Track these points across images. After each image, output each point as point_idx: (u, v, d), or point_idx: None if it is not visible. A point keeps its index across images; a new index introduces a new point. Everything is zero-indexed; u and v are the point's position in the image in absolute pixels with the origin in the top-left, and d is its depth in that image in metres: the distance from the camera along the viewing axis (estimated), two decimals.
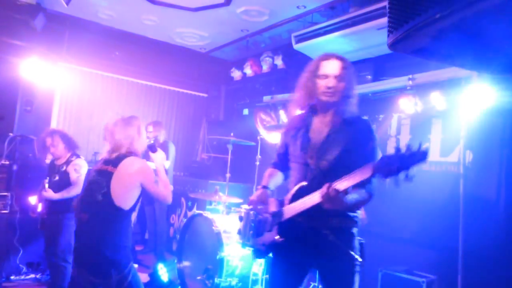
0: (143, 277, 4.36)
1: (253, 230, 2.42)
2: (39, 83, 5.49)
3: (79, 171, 4.00)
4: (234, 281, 3.63)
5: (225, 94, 7.33)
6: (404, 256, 4.10)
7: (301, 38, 4.82)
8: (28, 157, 5.27)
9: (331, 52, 2.38)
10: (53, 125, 5.85)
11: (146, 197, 5.38)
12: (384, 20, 3.87)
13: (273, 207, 2.26)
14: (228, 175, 4.68)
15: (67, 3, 4.74)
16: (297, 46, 4.90)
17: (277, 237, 2.19)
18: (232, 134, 4.65)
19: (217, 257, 3.65)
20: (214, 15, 5.19)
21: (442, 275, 3.82)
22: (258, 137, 5.02)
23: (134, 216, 2.78)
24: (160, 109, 7.16)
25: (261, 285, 3.60)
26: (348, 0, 4.47)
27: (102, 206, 2.56)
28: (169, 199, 2.83)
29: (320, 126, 2.27)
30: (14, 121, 5.49)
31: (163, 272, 4.25)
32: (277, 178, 2.50)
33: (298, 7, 4.75)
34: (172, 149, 5.58)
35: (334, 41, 4.54)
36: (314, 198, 2.00)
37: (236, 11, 5.00)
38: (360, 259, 2.15)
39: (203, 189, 5.61)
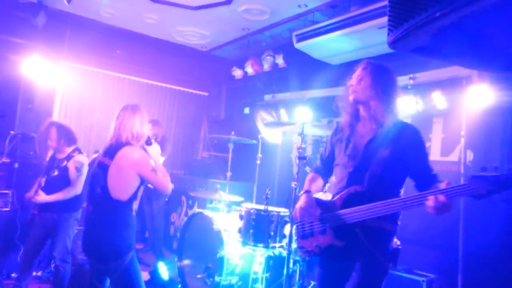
0: (144, 275, 4.37)
1: (302, 232, 2.42)
2: (40, 81, 5.50)
3: (81, 169, 3.82)
4: (234, 280, 3.63)
5: (226, 93, 7.34)
6: (404, 255, 4.08)
7: (302, 37, 4.81)
8: (29, 155, 5.28)
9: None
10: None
11: (146, 196, 5.40)
12: (385, 19, 3.85)
13: (318, 211, 2.29)
14: (228, 173, 4.69)
15: (69, 1, 4.74)
16: (298, 45, 4.90)
17: (337, 242, 2.21)
18: (233, 132, 4.65)
19: (218, 255, 3.66)
20: (215, 14, 5.18)
21: (442, 274, 3.82)
22: (259, 136, 5.02)
23: (136, 204, 2.75)
24: (161, 107, 7.16)
25: (261, 283, 3.61)
26: None
27: (101, 199, 2.62)
28: (169, 188, 2.80)
29: (363, 130, 2.33)
30: (15, 119, 5.50)
31: (164, 270, 4.26)
32: (318, 183, 2.55)
33: (299, 6, 4.74)
34: (169, 147, 5.61)
35: (335, 40, 4.54)
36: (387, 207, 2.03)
37: (237, 10, 5.00)
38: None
39: (203, 188, 5.61)
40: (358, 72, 2.36)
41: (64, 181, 3.78)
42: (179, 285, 4.06)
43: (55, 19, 5.75)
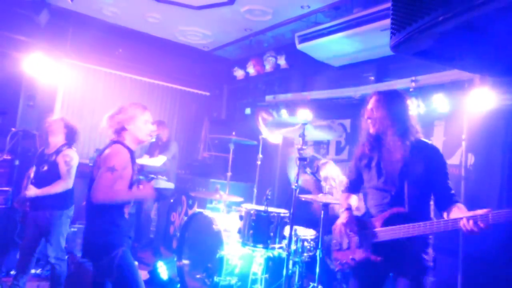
0: (143, 275, 4.37)
1: (340, 246, 2.61)
2: (42, 78, 5.51)
3: (70, 163, 3.76)
4: (233, 280, 3.63)
5: (228, 93, 7.33)
6: None
7: (305, 38, 4.81)
8: (30, 152, 5.28)
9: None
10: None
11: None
12: (387, 22, 3.85)
13: (357, 227, 2.50)
14: (229, 174, 4.68)
15: None
16: (300, 46, 4.89)
17: (374, 257, 2.38)
18: (234, 133, 4.65)
19: (217, 255, 3.66)
20: (218, 14, 5.18)
21: (442, 277, 3.81)
22: (260, 137, 5.01)
23: (128, 208, 2.72)
24: (162, 107, 7.17)
25: (261, 284, 3.60)
26: (352, 1, 4.46)
27: (89, 196, 2.62)
28: (103, 198, 2.51)
29: (389, 156, 2.46)
30: (16, 116, 5.50)
31: (163, 270, 4.26)
32: (353, 200, 2.76)
33: (302, 7, 4.74)
34: (174, 147, 5.61)
35: (337, 42, 4.53)
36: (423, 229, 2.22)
37: (239, 10, 5.00)
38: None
39: (204, 188, 5.61)
40: (372, 104, 2.52)
41: (54, 175, 3.74)
42: (178, 285, 4.06)
43: (58, 17, 5.76)
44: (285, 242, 3.54)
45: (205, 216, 4.03)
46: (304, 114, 5.26)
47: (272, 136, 5.77)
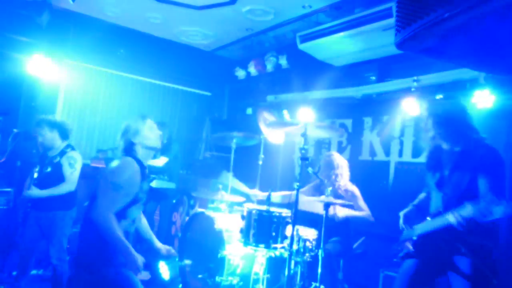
0: (145, 275, 4.36)
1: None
2: (44, 79, 5.51)
3: (74, 165, 3.78)
4: (235, 280, 3.62)
5: (229, 93, 7.33)
6: None
7: (306, 38, 4.81)
8: (31, 153, 5.28)
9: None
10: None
11: (152, 194, 5.40)
12: (389, 21, 3.85)
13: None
14: (230, 174, 4.67)
15: (73, 0, 4.75)
16: (302, 46, 4.89)
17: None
18: (235, 133, 4.64)
19: (219, 255, 3.65)
20: (219, 14, 5.18)
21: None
22: (261, 137, 5.00)
23: (125, 223, 2.61)
24: (163, 107, 7.17)
25: (262, 284, 3.59)
26: (354, 0, 4.45)
27: (89, 207, 2.58)
28: (96, 222, 2.43)
29: (446, 161, 2.67)
30: (18, 117, 5.51)
31: (165, 270, 4.24)
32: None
33: (303, 6, 4.73)
34: (175, 148, 5.61)
35: (339, 42, 4.53)
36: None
37: (241, 10, 5.00)
38: None
39: (205, 188, 5.60)
40: (425, 120, 2.74)
41: (57, 177, 3.74)
42: (180, 285, 4.05)
43: (59, 18, 5.76)
44: (287, 242, 3.53)
45: (206, 216, 4.03)
46: (306, 114, 5.27)
47: (273, 136, 5.77)
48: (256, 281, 3.61)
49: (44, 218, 3.74)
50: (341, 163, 4.19)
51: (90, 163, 5.49)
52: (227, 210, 4.30)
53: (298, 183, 3.41)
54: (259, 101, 6.50)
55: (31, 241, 3.80)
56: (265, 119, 6.05)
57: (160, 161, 5.38)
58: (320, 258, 3.50)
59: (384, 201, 4.60)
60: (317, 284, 3.56)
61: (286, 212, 3.63)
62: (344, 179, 4.13)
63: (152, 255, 3.26)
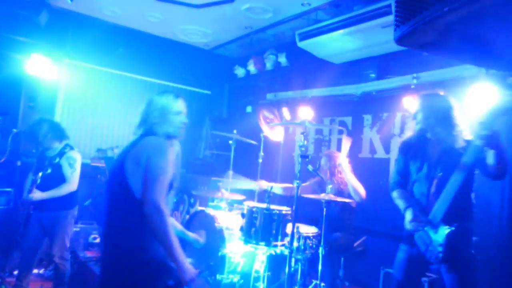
0: None
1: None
2: (43, 79, 5.50)
3: (74, 165, 3.79)
4: (235, 278, 3.62)
5: (229, 91, 7.33)
6: None
7: (305, 36, 4.80)
8: (31, 153, 5.28)
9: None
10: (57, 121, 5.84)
11: None
12: (388, 18, 3.85)
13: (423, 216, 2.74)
14: (230, 172, 4.68)
15: None
16: (301, 44, 4.89)
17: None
18: (235, 131, 4.65)
19: (219, 253, 3.66)
20: (218, 12, 5.18)
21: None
22: (261, 135, 5.01)
23: None
24: None
25: (263, 282, 3.60)
26: None
27: (117, 196, 2.25)
28: (152, 212, 2.05)
29: (432, 151, 2.75)
30: (17, 117, 5.51)
31: None
32: (407, 195, 2.91)
33: (302, 4, 4.73)
34: (175, 147, 5.61)
35: (338, 39, 4.53)
36: None
37: (240, 8, 4.99)
38: None
39: (205, 186, 5.60)
40: (416, 106, 2.82)
41: (58, 178, 3.76)
42: None
43: (58, 17, 5.75)
44: (287, 239, 3.54)
45: (207, 214, 4.03)
46: (305, 112, 5.27)
47: (273, 134, 5.77)
48: (256, 279, 3.62)
49: (46, 218, 3.75)
50: (340, 159, 4.19)
51: (90, 162, 5.49)
52: (227, 208, 4.30)
53: (298, 181, 3.41)
54: (258, 99, 6.50)
55: (33, 240, 3.81)
56: (265, 117, 6.06)
57: None
58: (320, 255, 3.50)
59: (384, 198, 4.60)
60: (318, 282, 3.57)
61: (286, 210, 3.63)
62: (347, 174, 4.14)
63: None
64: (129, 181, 2.09)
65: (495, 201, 3.69)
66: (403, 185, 2.91)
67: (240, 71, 6.74)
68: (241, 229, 3.68)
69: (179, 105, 2.46)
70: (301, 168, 3.46)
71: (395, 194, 2.91)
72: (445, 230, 2.55)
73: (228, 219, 3.98)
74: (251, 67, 6.46)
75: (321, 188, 4.16)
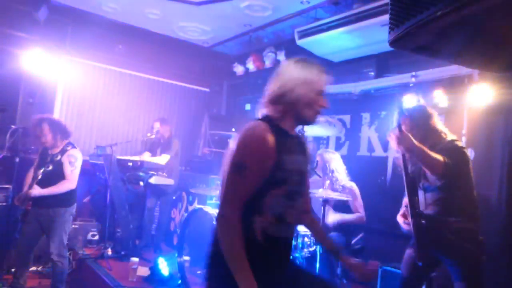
0: (144, 271, 4.38)
1: None
2: (42, 75, 5.50)
3: (74, 163, 3.82)
4: None
5: (227, 89, 7.32)
6: (404, 253, 4.10)
7: (304, 34, 4.80)
8: (30, 149, 5.28)
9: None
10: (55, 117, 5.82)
11: (151, 191, 5.41)
12: (387, 17, 3.84)
13: None
14: None
15: None
16: (300, 42, 4.88)
17: None
18: (233, 129, 4.65)
19: None
20: (218, 9, 5.17)
21: (442, 271, 3.82)
22: None
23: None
24: (162, 103, 7.16)
25: None
26: None
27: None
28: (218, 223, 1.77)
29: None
30: (16, 113, 5.50)
31: (164, 266, 4.27)
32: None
33: (301, 2, 4.72)
34: (175, 145, 5.62)
35: (337, 37, 4.52)
36: None
37: (239, 6, 4.98)
38: None
39: (204, 184, 5.61)
40: (404, 119, 2.89)
41: (58, 175, 3.78)
42: (179, 281, 4.07)
43: (57, 13, 5.74)
44: None
45: (205, 212, 4.03)
46: None
47: None
48: None
49: (44, 215, 3.76)
50: (334, 159, 4.20)
51: (89, 159, 5.49)
52: None
53: None
54: (257, 97, 6.46)
55: (31, 237, 3.82)
56: None
57: (163, 159, 5.39)
58: (318, 253, 3.51)
59: (382, 196, 4.62)
60: None
61: None
62: (340, 174, 4.13)
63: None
64: None
65: (493, 195, 3.71)
66: None
67: (239, 69, 6.73)
68: None
69: (323, 81, 2.12)
70: None
71: None
72: None
73: None
74: (250, 65, 6.46)
75: (318, 187, 4.18)
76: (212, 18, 5.56)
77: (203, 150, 7.32)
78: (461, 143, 2.88)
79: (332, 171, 4.09)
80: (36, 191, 3.65)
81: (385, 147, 4.83)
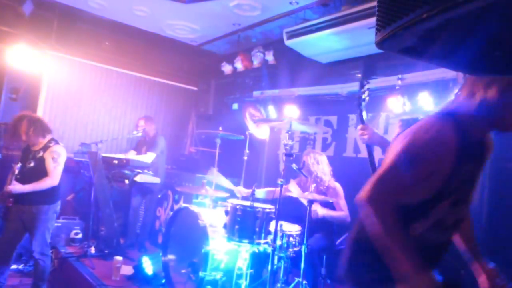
0: (128, 270, 4.34)
1: None
2: (26, 70, 5.41)
3: (57, 159, 3.75)
4: (218, 275, 3.63)
5: (215, 88, 7.30)
6: None
7: (293, 34, 4.82)
8: (12, 146, 5.19)
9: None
10: (40, 114, 5.73)
11: (136, 189, 5.37)
12: (375, 20, 3.88)
13: None
14: (215, 169, 4.68)
15: None
16: (288, 42, 4.90)
17: None
18: (220, 128, 4.64)
19: (203, 250, 3.65)
20: (206, 8, 5.15)
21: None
22: (247, 132, 5.01)
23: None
24: (149, 101, 7.11)
25: (246, 279, 3.61)
26: None
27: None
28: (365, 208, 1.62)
29: None
30: None
31: (148, 265, 4.24)
32: None
33: (290, 3, 4.74)
34: (161, 142, 5.59)
35: (325, 39, 4.55)
36: None
37: (228, 5, 4.97)
38: None
39: (190, 183, 5.59)
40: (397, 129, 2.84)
41: (40, 172, 3.72)
42: (163, 280, 4.05)
43: (43, 8, 5.65)
44: (270, 237, 3.56)
45: (190, 211, 4.02)
46: (291, 110, 5.29)
47: (259, 131, 5.77)
48: (239, 276, 3.62)
49: (27, 212, 3.69)
50: (320, 160, 4.22)
51: (73, 157, 5.42)
52: (211, 205, 4.30)
53: (282, 179, 3.43)
54: (245, 96, 6.49)
55: (13, 235, 3.75)
56: (251, 115, 6.06)
57: (148, 157, 5.35)
58: (303, 253, 3.53)
59: None
60: (300, 279, 3.59)
61: (270, 208, 3.65)
62: (326, 175, 4.16)
63: None
64: None
65: (475, 199, 3.76)
66: None
67: (227, 68, 6.72)
68: (225, 226, 3.69)
69: None
70: (285, 166, 3.48)
71: None
72: None
73: (212, 216, 3.98)
74: (238, 64, 6.45)
75: (304, 186, 4.20)
76: (201, 17, 5.54)
77: (189, 149, 7.29)
78: None
79: (317, 172, 4.12)
80: (18, 187, 3.59)
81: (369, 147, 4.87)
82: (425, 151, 1.50)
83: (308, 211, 3.62)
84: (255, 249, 3.60)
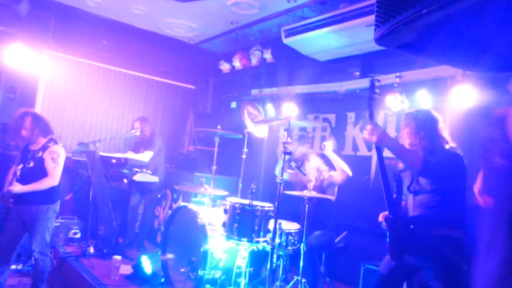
0: (127, 269, 4.33)
1: None
2: (23, 70, 5.39)
3: (57, 160, 3.73)
4: (217, 274, 3.62)
5: (213, 87, 7.29)
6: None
7: (291, 33, 4.81)
8: (10, 145, 5.17)
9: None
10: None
11: (135, 188, 5.35)
12: (373, 17, 3.87)
13: None
14: (214, 167, 4.67)
15: None
16: (286, 40, 4.89)
17: None
18: (219, 126, 4.63)
19: (201, 249, 3.64)
20: (204, 6, 5.14)
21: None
22: (245, 131, 5.00)
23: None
24: (147, 100, 7.09)
25: (245, 278, 3.61)
26: None
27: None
28: None
29: None
30: None
31: (147, 264, 4.22)
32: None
33: (288, 1, 4.73)
34: (158, 141, 5.58)
35: (323, 37, 4.54)
36: None
37: (226, 3, 4.96)
38: None
39: (188, 181, 5.58)
40: (402, 123, 2.95)
41: (40, 172, 3.70)
42: (162, 279, 4.04)
43: (39, 7, 5.63)
44: (269, 235, 3.55)
45: (189, 210, 4.01)
46: (290, 109, 5.28)
47: (257, 130, 5.77)
48: (238, 275, 3.62)
49: (27, 212, 3.67)
50: (315, 159, 4.25)
51: (71, 156, 5.41)
52: (210, 204, 4.29)
53: (281, 177, 3.43)
54: (243, 95, 6.48)
55: (13, 235, 3.73)
56: (249, 113, 6.05)
57: (146, 156, 5.34)
58: (302, 251, 3.53)
59: (366, 196, 4.66)
60: (299, 278, 3.59)
61: (269, 206, 3.64)
62: (324, 171, 4.20)
63: None
64: None
65: (473, 194, 3.76)
66: None
67: (225, 66, 6.71)
68: (224, 225, 3.68)
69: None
70: (284, 165, 3.48)
71: None
72: None
73: (211, 215, 3.97)
74: (237, 63, 6.44)
75: (303, 184, 4.19)
76: (199, 15, 5.52)
77: (188, 148, 7.27)
78: (459, 150, 2.80)
79: (316, 169, 4.13)
80: (18, 188, 3.56)
81: (369, 146, 4.88)
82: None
83: (306, 209, 3.62)
84: (254, 247, 3.59)
